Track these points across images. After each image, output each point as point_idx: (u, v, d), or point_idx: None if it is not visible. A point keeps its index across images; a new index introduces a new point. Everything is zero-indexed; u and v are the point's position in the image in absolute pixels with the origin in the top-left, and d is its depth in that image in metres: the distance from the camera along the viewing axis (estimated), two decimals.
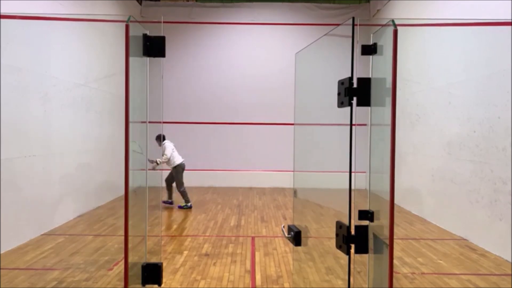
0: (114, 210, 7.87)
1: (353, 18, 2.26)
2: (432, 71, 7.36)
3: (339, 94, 2.49)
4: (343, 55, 2.37)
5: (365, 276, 2.60)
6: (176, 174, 8.17)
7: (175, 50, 11.41)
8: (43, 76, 6.19)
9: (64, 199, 6.83)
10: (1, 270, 4.44)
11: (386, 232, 2.21)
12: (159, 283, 2.90)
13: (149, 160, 5.96)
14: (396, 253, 5.27)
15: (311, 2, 11.64)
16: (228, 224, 6.94)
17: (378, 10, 10.70)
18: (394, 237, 2.22)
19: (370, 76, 2.44)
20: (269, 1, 11.72)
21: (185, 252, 5.27)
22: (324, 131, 3.49)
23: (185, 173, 8.71)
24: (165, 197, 8.53)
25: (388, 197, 2.18)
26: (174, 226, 6.70)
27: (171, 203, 8.47)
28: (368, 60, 2.48)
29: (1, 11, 4.91)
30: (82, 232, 6.24)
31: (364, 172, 2.46)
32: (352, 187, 2.42)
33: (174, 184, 8.46)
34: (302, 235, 3.03)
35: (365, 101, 2.42)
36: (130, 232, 2.54)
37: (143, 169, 2.93)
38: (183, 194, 8.23)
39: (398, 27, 2.11)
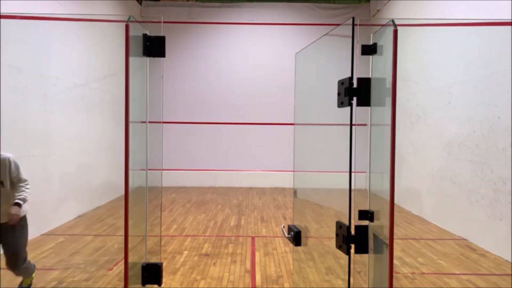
0: (114, 210, 7.87)
1: (353, 18, 2.26)
2: (432, 71, 7.35)
3: (339, 94, 2.49)
4: (343, 55, 2.37)
5: (365, 276, 2.60)
6: (25, 229, 3.63)
7: (175, 50, 11.41)
8: (43, 76, 6.19)
9: (64, 199, 6.82)
10: (1, 270, 4.44)
11: (386, 232, 2.21)
12: (159, 283, 2.91)
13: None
14: (396, 253, 5.26)
15: (311, 2, 11.64)
16: (228, 224, 6.94)
17: (378, 10, 10.70)
18: (394, 237, 2.22)
19: (370, 76, 2.44)
20: (269, 1, 11.72)
21: (185, 252, 5.27)
22: (324, 131, 3.49)
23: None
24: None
25: (388, 197, 2.18)
26: (174, 226, 6.70)
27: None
28: (368, 60, 2.48)
29: (1, 11, 4.91)
30: (82, 232, 6.24)
31: (364, 172, 2.46)
32: (352, 187, 2.42)
33: None
34: (302, 235, 3.03)
35: (365, 101, 2.42)
36: (130, 232, 2.54)
37: (143, 169, 2.93)
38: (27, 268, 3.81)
39: (398, 27, 2.11)
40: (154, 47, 2.71)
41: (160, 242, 5.28)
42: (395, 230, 2.53)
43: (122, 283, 2.64)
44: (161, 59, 2.75)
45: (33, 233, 5.81)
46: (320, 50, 3.03)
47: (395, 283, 4.15)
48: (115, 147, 8.86)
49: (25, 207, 3.52)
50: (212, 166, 11.61)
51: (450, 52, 6.73)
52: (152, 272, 2.86)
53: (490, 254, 5.32)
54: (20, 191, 3.43)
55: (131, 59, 2.45)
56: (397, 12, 9.25)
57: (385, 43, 2.28)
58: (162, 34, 2.71)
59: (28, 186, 3.50)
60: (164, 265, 4.26)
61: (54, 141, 6.55)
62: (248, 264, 4.82)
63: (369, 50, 2.44)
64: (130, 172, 2.52)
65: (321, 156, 3.51)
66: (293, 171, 3.55)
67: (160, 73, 3.46)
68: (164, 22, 3.14)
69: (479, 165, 5.76)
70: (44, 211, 6.17)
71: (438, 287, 4.16)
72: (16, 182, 3.44)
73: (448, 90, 6.69)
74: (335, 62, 2.74)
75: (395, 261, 4.89)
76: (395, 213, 2.24)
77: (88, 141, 7.87)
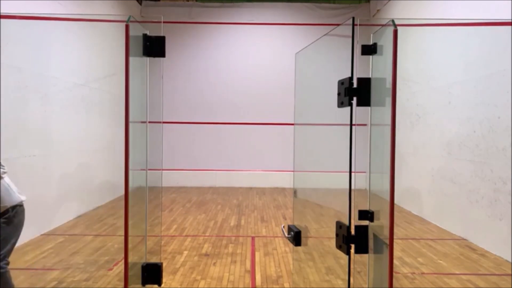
0: (114, 210, 7.87)
1: (353, 18, 2.26)
2: (432, 71, 7.35)
3: (339, 94, 2.50)
4: (343, 55, 2.37)
5: (365, 276, 2.60)
6: (12, 221, 3.16)
7: (175, 50, 11.41)
8: (43, 76, 6.19)
9: (64, 199, 6.82)
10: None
11: (386, 232, 2.21)
12: (159, 283, 2.91)
13: None
14: (396, 253, 5.26)
15: (311, 2, 11.64)
16: (228, 224, 6.94)
17: (378, 10, 10.70)
18: (394, 237, 2.22)
19: (370, 76, 2.44)
20: (269, 1, 11.71)
21: (185, 252, 5.27)
22: (324, 131, 3.49)
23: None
24: None
25: (388, 197, 2.18)
26: (174, 226, 6.70)
27: None
28: (368, 60, 2.48)
29: (1, 11, 4.91)
30: (82, 232, 6.24)
31: (364, 172, 2.46)
32: (352, 187, 2.42)
33: None
34: (302, 235, 3.03)
35: (365, 101, 2.42)
36: (130, 232, 2.54)
37: (143, 169, 2.93)
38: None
39: (398, 27, 2.11)
40: (154, 47, 2.72)
41: (160, 242, 5.29)
42: (395, 230, 2.53)
43: (122, 283, 2.64)
44: (161, 59, 2.76)
45: (33, 233, 5.82)
46: (320, 50, 3.03)
47: (395, 283, 4.15)
48: (115, 147, 8.86)
49: (18, 197, 3.20)
50: (212, 166, 11.61)
51: (450, 52, 6.73)
52: (152, 272, 2.86)
53: (490, 254, 5.32)
54: None
55: (131, 59, 2.45)
56: (397, 12, 9.25)
57: (385, 43, 2.29)
58: (162, 34, 2.71)
59: (3, 168, 3.18)
60: (164, 265, 4.27)
61: (54, 141, 6.55)
62: (248, 264, 4.82)
63: (369, 50, 2.44)
64: (130, 172, 2.52)
65: (321, 156, 3.51)
66: (293, 171, 3.55)
67: (160, 73, 3.47)
68: (164, 22, 3.14)
69: (479, 165, 5.76)
70: (44, 211, 6.18)
71: (438, 287, 4.16)
72: None
73: (448, 90, 6.69)
74: (335, 62, 2.74)
75: (395, 261, 4.89)
76: (395, 213, 2.24)
77: (88, 141, 7.87)
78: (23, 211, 3.23)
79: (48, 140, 6.36)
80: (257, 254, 5.24)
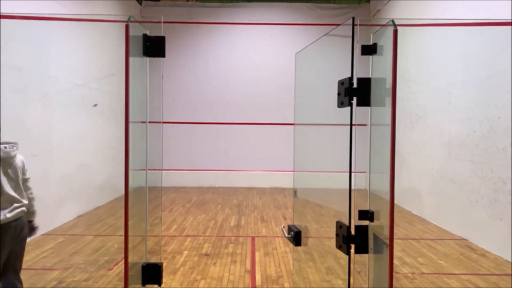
0: (114, 210, 7.87)
1: (353, 18, 2.26)
2: (432, 71, 7.35)
3: (339, 94, 2.50)
4: (343, 55, 2.37)
5: (365, 276, 2.60)
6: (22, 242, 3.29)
7: (175, 50, 11.41)
8: (43, 76, 6.19)
9: (64, 199, 6.82)
10: None
11: (386, 232, 2.21)
12: (159, 283, 2.91)
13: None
14: (396, 253, 5.26)
15: (311, 2, 11.64)
16: (228, 224, 6.94)
17: (378, 10, 10.70)
18: (394, 237, 2.22)
19: (370, 76, 2.44)
20: (269, 1, 11.72)
21: (185, 252, 5.27)
22: (324, 131, 3.49)
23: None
24: None
25: (388, 197, 2.18)
26: (174, 226, 6.70)
27: None
28: (368, 60, 2.48)
29: (1, 11, 4.91)
30: (82, 232, 6.24)
31: (364, 172, 2.46)
32: (352, 187, 2.42)
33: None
34: (302, 235, 3.03)
35: (365, 101, 2.42)
36: (130, 232, 2.54)
37: (143, 169, 2.93)
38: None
39: (398, 27, 2.11)
40: (154, 47, 2.72)
41: (160, 242, 5.29)
42: (395, 230, 2.53)
43: (122, 283, 2.64)
44: (161, 59, 2.76)
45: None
46: (320, 50, 3.03)
47: (395, 283, 4.15)
48: (115, 147, 8.86)
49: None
50: (212, 166, 11.61)
51: (450, 52, 6.73)
52: (152, 272, 2.86)
53: (490, 254, 5.32)
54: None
55: (131, 59, 2.45)
56: (397, 12, 9.25)
57: (385, 43, 2.29)
58: (162, 34, 2.71)
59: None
60: (164, 265, 4.27)
61: (54, 141, 6.55)
62: (248, 264, 4.82)
63: (369, 50, 2.44)
64: (130, 172, 2.52)
65: (321, 156, 3.51)
66: (293, 171, 3.55)
67: (160, 73, 3.47)
68: (164, 22, 3.14)
69: (479, 165, 5.76)
70: (44, 211, 6.17)
71: (438, 287, 4.16)
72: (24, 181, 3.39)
73: (448, 90, 6.69)
74: (335, 62, 2.74)
75: (395, 261, 4.89)
76: (395, 213, 2.24)
77: (88, 141, 7.87)
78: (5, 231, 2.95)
79: (48, 140, 6.36)
80: (257, 254, 5.24)
